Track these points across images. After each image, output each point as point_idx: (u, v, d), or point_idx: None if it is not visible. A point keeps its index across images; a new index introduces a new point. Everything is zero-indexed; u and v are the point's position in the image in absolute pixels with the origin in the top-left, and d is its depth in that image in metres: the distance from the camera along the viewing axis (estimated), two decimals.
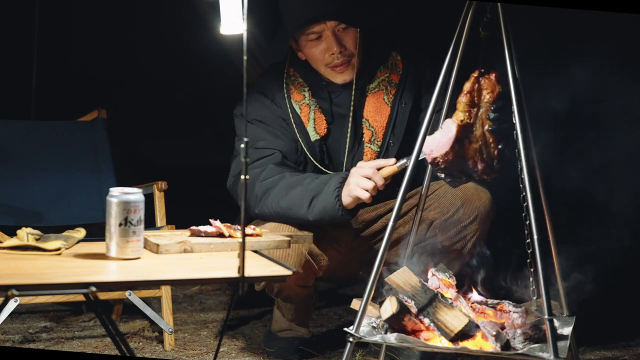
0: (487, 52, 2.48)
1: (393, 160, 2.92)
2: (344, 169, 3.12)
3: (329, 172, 3.10)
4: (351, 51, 3.08)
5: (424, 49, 3.22)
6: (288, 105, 3.13)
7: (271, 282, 3.03)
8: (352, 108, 3.13)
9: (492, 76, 2.49)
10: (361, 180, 2.87)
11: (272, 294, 3.15)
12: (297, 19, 3.03)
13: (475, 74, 2.51)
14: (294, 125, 3.12)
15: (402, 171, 2.76)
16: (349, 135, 3.13)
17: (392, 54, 3.18)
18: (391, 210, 2.57)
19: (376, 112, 3.12)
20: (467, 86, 2.52)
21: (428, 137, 2.57)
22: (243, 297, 1.88)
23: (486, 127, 2.50)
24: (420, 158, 2.57)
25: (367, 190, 2.87)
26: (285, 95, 3.14)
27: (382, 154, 3.10)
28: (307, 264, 3.03)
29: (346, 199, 2.91)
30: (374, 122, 3.11)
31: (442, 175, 2.60)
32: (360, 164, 2.91)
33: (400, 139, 3.11)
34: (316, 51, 3.08)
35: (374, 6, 3.15)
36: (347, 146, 3.13)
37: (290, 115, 3.13)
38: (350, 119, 3.13)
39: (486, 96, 2.50)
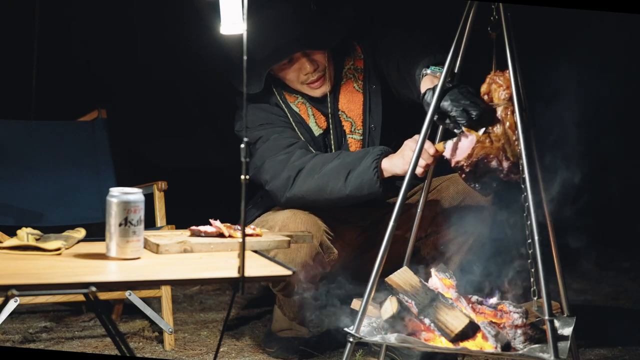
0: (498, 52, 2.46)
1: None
2: None
3: None
4: (324, 65, 3.11)
5: (366, 24, 3.25)
6: (285, 107, 3.16)
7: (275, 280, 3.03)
8: (329, 109, 3.16)
9: (506, 73, 2.47)
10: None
11: (278, 288, 3.15)
12: (265, 50, 3.03)
13: (490, 75, 2.50)
14: (297, 124, 3.15)
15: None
16: (331, 132, 3.16)
17: (351, 42, 3.22)
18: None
19: (350, 101, 3.15)
20: (483, 88, 2.51)
21: (448, 142, 2.56)
22: (245, 296, 1.88)
23: (507, 124, 2.48)
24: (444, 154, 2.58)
25: (422, 167, 2.84)
26: (280, 99, 3.17)
27: (366, 141, 3.14)
28: (318, 257, 3.04)
29: (398, 169, 2.88)
30: (349, 112, 3.15)
31: (474, 185, 2.57)
32: (415, 137, 2.84)
33: (380, 121, 3.15)
34: (290, 73, 3.13)
35: (335, 20, 3.16)
36: (332, 143, 3.16)
37: (292, 115, 3.16)
38: (330, 117, 3.16)
39: (502, 93, 2.49)
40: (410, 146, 2.85)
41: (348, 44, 3.21)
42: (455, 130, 2.53)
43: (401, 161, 2.88)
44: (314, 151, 3.12)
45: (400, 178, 2.86)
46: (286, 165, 3.04)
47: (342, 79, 3.18)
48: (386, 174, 2.92)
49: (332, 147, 3.18)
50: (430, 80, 2.72)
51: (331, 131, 3.17)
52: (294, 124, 3.16)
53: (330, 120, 3.17)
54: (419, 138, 2.52)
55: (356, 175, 2.93)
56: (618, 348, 3.38)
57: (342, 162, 2.97)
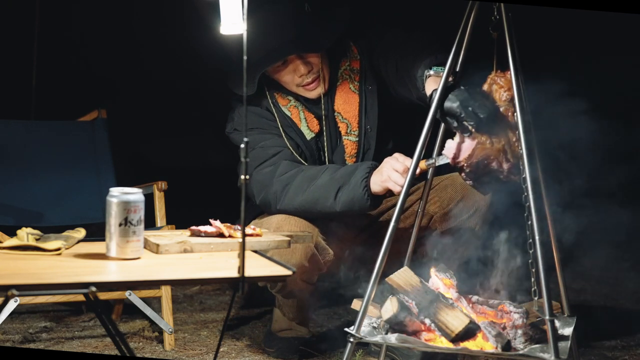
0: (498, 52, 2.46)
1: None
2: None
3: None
4: (318, 67, 3.11)
5: (362, 24, 3.25)
6: (276, 111, 3.15)
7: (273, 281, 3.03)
8: (323, 111, 3.16)
9: (507, 74, 2.46)
10: (394, 174, 2.85)
11: (275, 289, 3.15)
12: (258, 53, 3.02)
13: (491, 75, 2.49)
14: (288, 129, 3.13)
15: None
16: (324, 133, 3.16)
17: (347, 42, 3.21)
18: (392, 207, 2.57)
19: (345, 103, 3.15)
20: (484, 89, 2.50)
21: (450, 142, 2.55)
22: (246, 296, 1.87)
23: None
24: (443, 163, 2.57)
25: (399, 185, 2.84)
26: (272, 102, 3.16)
27: (361, 142, 3.13)
28: (314, 258, 3.04)
29: (376, 187, 2.90)
30: (345, 114, 3.15)
31: (471, 182, 2.57)
32: (395, 155, 2.88)
33: (376, 122, 3.14)
34: (284, 75, 3.12)
35: (329, 21, 3.15)
36: (325, 144, 3.16)
37: (282, 119, 3.14)
38: (324, 118, 3.16)
39: (504, 94, 2.48)
40: (391, 164, 2.86)
41: (344, 44, 3.20)
42: (464, 134, 2.51)
43: (380, 179, 2.89)
44: (300, 159, 3.11)
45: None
46: (273, 178, 3.03)
47: (338, 80, 3.17)
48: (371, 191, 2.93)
49: (325, 149, 3.17)
50: (435, 81, 2.71)
51: (324, 133, 3.16)
52: (283, 128, 3.14)
53: (324, 122, 3.16)
54: (417, 145, 2.51)
55: (346, 193, 2.93)
56: (618, 348, 3.38)
57: (332, 178, 2.96)
